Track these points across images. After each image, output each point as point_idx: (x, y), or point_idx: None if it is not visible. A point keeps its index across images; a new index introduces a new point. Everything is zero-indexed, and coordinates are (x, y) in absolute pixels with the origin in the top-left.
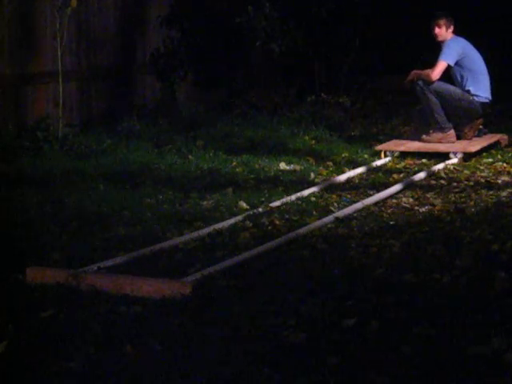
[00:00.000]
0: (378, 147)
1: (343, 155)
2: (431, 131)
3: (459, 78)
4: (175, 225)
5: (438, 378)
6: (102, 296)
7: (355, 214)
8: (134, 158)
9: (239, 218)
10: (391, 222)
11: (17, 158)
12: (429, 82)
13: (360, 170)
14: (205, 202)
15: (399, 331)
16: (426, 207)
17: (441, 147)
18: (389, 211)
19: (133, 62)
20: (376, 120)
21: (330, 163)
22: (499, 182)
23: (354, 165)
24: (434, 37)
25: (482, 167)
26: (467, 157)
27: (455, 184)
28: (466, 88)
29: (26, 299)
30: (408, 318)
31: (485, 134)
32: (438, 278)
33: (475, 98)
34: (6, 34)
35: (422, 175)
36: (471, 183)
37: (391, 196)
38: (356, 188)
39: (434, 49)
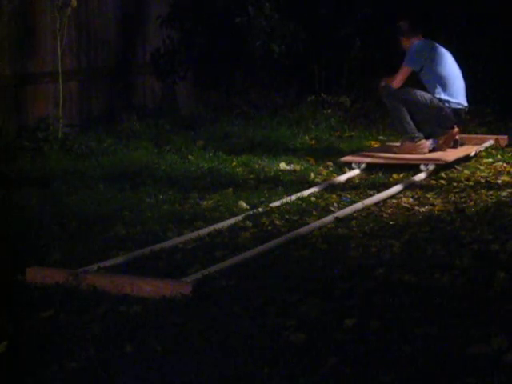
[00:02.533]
0: (344, 159)
1: (343, 155)
2: (402, 141)
3: (428, 84)
4: (175, 225)
5: (438, 378)
6: (102, 296)
7: (355, 214)
8: (134, 158)
9: (239, 218)
10: (391, 222)
11: (17, 158)
12: (395, 89)
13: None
14: (205, 202)
15: (399, 331)
16: (426, 207)
17: (411, 160)
18: (389, 211)
19: (133, 62)
20: (376, 120)
21: (330, 163)
22: (499, 181)
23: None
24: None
25: (482, 167)
26: (439, 169)
27: (455, 184)
28: (436, 94)
29: (26, 299)
30: (408, 318)
31: (461, 145)
32: (438, 278)
33: (446, 104)
34: (6, 34)
35: (422, 175)
36: (471, 183)
37: (391, 196)
38: (356, 188)
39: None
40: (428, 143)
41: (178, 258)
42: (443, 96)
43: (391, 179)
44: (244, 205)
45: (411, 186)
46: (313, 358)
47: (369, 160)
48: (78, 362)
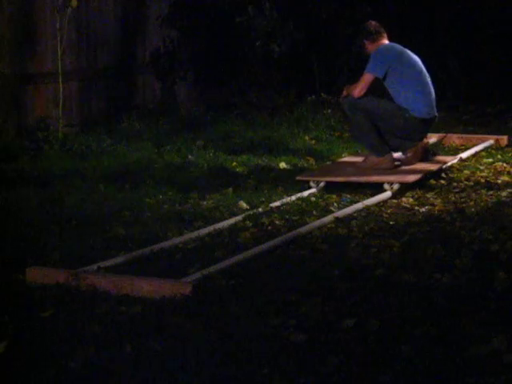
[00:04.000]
0: (300, 177)
1: (343, 155)
2: (366, 156)
3: (394, 92)
4: (175, 225)
5: (438, 378)
6: (102, 296)
7: (355, 214)
8: (134, 158)
9: (239, 218)
10: (391, 222)
11: (17, 158)
12: (356, 99)
13: None
14: (205, 202)
15: (399, 331)
16: (426, 207)
17: (373, 178)
18: (389, 211)
19: (133, 62)
20: None
21: (330, 163)
22: (499, 181)
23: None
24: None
25: (481, 167)
26: (405, 188)
27: (455, 184)
28: (403, 103)
29: (26, 299)
30: (408, 318)
31: (434, 155)
32: (438, 278)
33: (413, 113)
34: (6, 33)
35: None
36: (471, 183)
37: (391, 196)
38: (356, 188)
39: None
40: (395, 157)
41: (177, 258)
42: (410, 105)
43: None
44: (244, 205)
45: (411, 186)
46: (313, 358)
47: (328, 178)
48: (77, 362)
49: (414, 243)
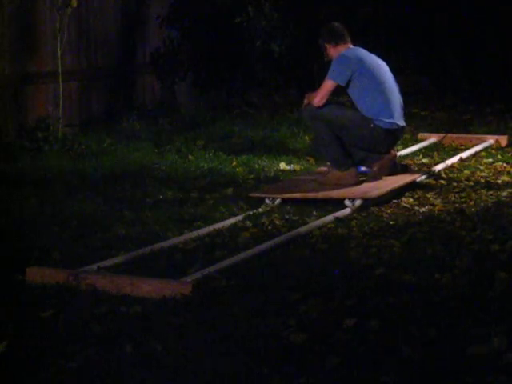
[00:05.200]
0: (255, 194)
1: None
2: (328, 170)
3: (357, 101)
4: (175, 225)
5: (438, 378)
6: (102, 296)
7: (355, 214)
8: (134, 158)
9: (239, 218)
10: (391, 222)
11: (17, 158)
12: (317, 109)
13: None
14: (205, 202)
15: (399, 331)
16: (426, 207)
17: (333, 193)
18: (389, 211)
19: (133, 62)
20: None
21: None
22: (499, 181)
23: None
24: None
25: (482, 167)
26: (368, 204)
27: (455, 184)
28: (367, 113)
29: (26, 299)
30: (408, 318)
31: (404, 170)
32: (438, 278)
33: (377, 124)
34: (6, 33)
35: (422, 177)
36: (471, 183)
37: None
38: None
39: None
40: (359, 171)
41: (177, 258)
42: (375, 115)
43: None
44: (244, 205)
45: (411, 186)
46: (313, 357)
47: (284, 195)
48: (77, 362)
49: (414, 243)
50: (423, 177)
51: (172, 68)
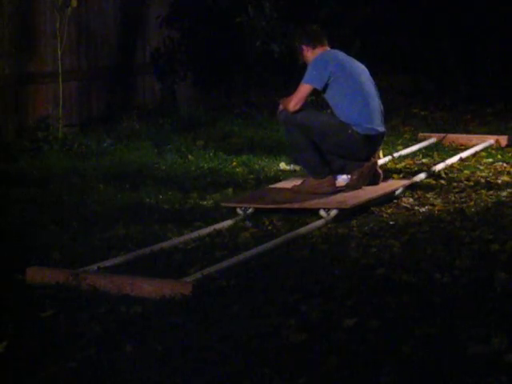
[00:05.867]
0: (226, 203)
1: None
2: (305, 178)
3: (334, 106)
4: (175, 225)
5: (438, 378)
6: (102, 296)
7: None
8: (134, 158)
9: (239, 217)
10: (391, 222)
11: (17, 158)
12: (292, 114)
13: None
14: (205, 202)
15: (399, 331)
16: (426, 207)
17: (308, 203)
18: (389, 211)
19: (133, 62)
20: None
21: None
22: (499, 181)
23: None
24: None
25: (482, 167)
26: (343, 214)
27: (455, 184)
28: (345, 118)
29: (26, 299)
30: (408, 318)
31: (385, 179)
32: (438, 278)
33: (356, 130)
34: (6, 33)
35: (422, 175)
36: (471, 183)
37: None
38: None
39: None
40: (338, 180)
41: (177, 258)
42: (353, 121)
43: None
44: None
45: (411, 186)
46: (313, 357)
47: (256, 205)
48: (77, 362)
49: (414, 243)
50: (405, 185)
51: (172, 68)
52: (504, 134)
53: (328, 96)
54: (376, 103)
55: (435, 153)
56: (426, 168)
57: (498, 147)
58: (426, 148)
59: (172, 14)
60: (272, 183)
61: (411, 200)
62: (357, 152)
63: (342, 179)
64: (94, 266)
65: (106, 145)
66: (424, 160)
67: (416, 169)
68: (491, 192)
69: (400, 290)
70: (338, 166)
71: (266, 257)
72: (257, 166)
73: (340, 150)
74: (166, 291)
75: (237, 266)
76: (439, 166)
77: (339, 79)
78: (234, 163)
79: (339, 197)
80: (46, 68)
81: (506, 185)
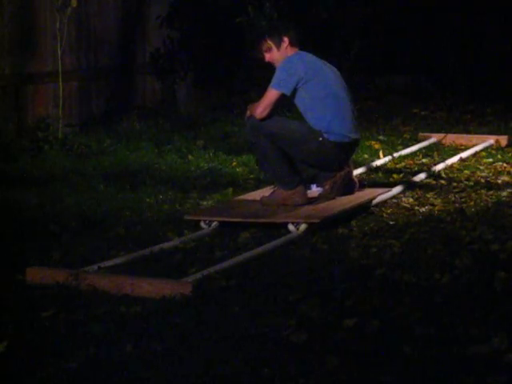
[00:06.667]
0: (190, 216)
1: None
2: (273, 189)
3: (304, 112)
4: (175, 225)
5: (438, 378)
6: (102, 296)
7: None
8: (134, 157)
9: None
10: (391, 222)
11: (17, 158)
12: (259, 121)
13: (360, 169)
14: (205, 202)
15: (399, 331)
16: (426, 207)
17: (275, 217)
18: (389, 211)
19: (133, 62)
20: (376, 120)
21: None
22: (499, 181)
23: (354, 165)
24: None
25: (482, 167)
26: (314, 228)
27: (455, 184)
28: (316, 125)
29: (26, 299)
30: (408, 318)
31: (362, 187)
32: (438, 278)
33: (327, 137)
34: (6, 33)
35: (422, 175)
36: (471, 183)
37: (391, 196)
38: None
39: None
40: (312, 190)
41: (177, 258)
42: (325, 127)
43: (391, 179)
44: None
45: (411, 186)
46: (313, 357)
47: (220, 218)
48: (77, 362)
49: (414, 243)
50: (383, 195)
51: (172, 68)
52: (504, 134)
53: (298, 101)
54: (349, 108)
55: (435, 153)
56: (426, 168)
57: (498, 147)
58: (425, 148)
59: (172, 14)
60: (272, 183)
61: (411, 200)
62: (329, 161)
63: (315, 189)
64: (94, 266)
65: (106, 145)
66: (424, 160)
67: (416, 169)
68: (491, 192)
69: (400, 290)
70: (308, 175)
71: (266, 257)
72: (257, 166)
73: (311, 158)
74: (166, 291)
75: (237, 266)
76: (439, 166)
77: (309, 83)
78: (234, 163)
79: (310, 209)
80: (45, 68)
81: (506, 185)
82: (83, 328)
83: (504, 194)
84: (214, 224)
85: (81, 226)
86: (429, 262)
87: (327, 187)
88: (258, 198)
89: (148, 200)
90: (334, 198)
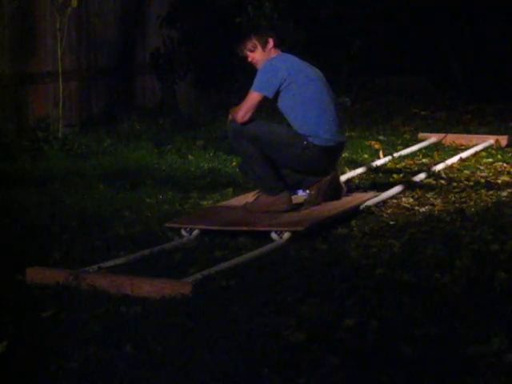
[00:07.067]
0: (169, 224)
1: (343, 155)
2: (257, 194)
3: (288, 115)
4: None
5: (438, 378)
6: (102, 296)
7: (355, 214)
8: (134, 158)
9: None
10: (391, 222)
11: (17, 158)
12: (241, 125)
13: (360, 169)
14: (205, 202)
15: (399, 331)
16: (426, 207)
17: (258, 225)
18: (389, 211)
19: (133, 62)
20: (376, 120)
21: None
22: (499, 181)
23: (354, 165)
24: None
25: (482, 167)
26: (298, 236)
27: (455, 184)
28: (299, 129)
29: (26, 299)
30: (408, 318)
31: (350, 192)
32: (438, 278)
33: (312, 141)
34: (6, 33)
35: (422, 175)
36: (471, 183)
37: (391, 196)
38: (356, 188)
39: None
40: (298, 194)
41: (177, 258)
42: (309, 131)
43: (391, 179)
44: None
45: (411, 186)
46: (313, 358)
47: (201, 226)
48: (77, 362)
49: (414, 243)
50: (371, 199)
51: (172, 68)
52: (504, 134)
53: (281, 105)
54: (333, 111)
55: (435, 153)
56: (426, 168)
57: (498, 147)
58: (426, 148)
59: (172, 13)
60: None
61: (411, 200)
62: (314, 165)
63: (301, 194)
64: (94, 266)
65: (106, 145)
66: (424, 160)
67: (416, 169)
68: (491, 192)
69: (400, 290)
70: (293, 180)
71: (266, 257)
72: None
73: (295, 163)
74: (166, 291)
75: (237, 266)
76: (439, 166)
77: (292, 86)
78: (234, 163)
79: (294, 216)
80: (45, 68)
81: (506, 185)
82: (83, 328)
83: (504, 194)
84: (196, 232)
85: (81, 226)
86: (429, 262)
87: (313, 193)
88: (242, 204)
89: (148, 200)
90: (320, 204)
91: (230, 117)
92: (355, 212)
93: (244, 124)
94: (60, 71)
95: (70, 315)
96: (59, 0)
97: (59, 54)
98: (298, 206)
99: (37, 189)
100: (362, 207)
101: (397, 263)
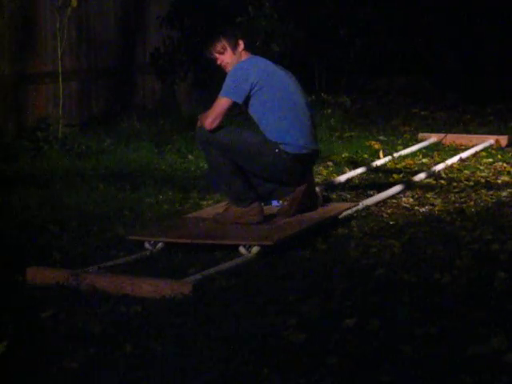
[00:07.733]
0: (132, 236)
1: (343, 155)
2: (227, 205)
3: (258, 122)
4: None
5: (437, 378)
6: (102, 296)
7: (355, 214)
8: (134, 157)
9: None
10: (391, 222)
11: (17, 158)
12: (209, 132)
13: (360, 170)
14: (205, 202)
15: (399, 331)
16: (426, 207)
17: (225, 239)
18: (389, 211)
19: (133, 62)
20: (376, 120)
21: (330, 163)
22: (499, 181)
23: (354, 165)
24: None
25: (481, 167)
26: (269, 250)
27: (455, 184)
28: (271, 136)
29: (26, 299)
30: (408, 318)
31: (326, 201)
32: (438, 278)
33: (284, 148)
34: (6, 33)
35: (422, 175)
36: (471, 183)
37: (391, 196)
38: (356, 188)
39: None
40: (269, 206)
41: (178, 258)
42: (281, 138)
43: (391, 179)
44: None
45: (411, 186)
46: (313, 358)
47: (165, 239)
48: (77, 362)
49: (414, 243)
50: (349, 209)
51: (172, 68)
52: (504, 134)
53: (252, 111)
54: (307, 116)
55: (435, 153)
56: (426, 168)
57: (498, 147)
58: (426, 148)
59: (172, 13)
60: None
61: (411, 200)
62: (287, 174)
63: (275, 205)
64: (94, 266)
65: (106, 145)
66: (424, 160)
67: (416, 169)
68: (491, 192)
69: (400, 290)
70: (265, 191)
71: (266, 257)
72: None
73: (267, 172)
74: (166, 291)
75: (237, 266)
76: (439, 166)
77: (263, 90)
78: None
79: (264, 229)
80: (45, 68)
81: (506, 185)
82: (83, 328)
83: (504, 193)
84: (160, 245)
85: (81, 226)
86: (429, 262)
87: (286, 203)
88: (211, 216)
89: (148, 200)
90: (293, 215)
91: (198, 123)
92: (355, 212)
93: (213, 131)
94: (60, 71)
95: (70, 315)
96: (59, 0)
97: (59, 54)
98: (271, 218)
99: (37, 189)
100: (341, 216)
101: (397, 263)
